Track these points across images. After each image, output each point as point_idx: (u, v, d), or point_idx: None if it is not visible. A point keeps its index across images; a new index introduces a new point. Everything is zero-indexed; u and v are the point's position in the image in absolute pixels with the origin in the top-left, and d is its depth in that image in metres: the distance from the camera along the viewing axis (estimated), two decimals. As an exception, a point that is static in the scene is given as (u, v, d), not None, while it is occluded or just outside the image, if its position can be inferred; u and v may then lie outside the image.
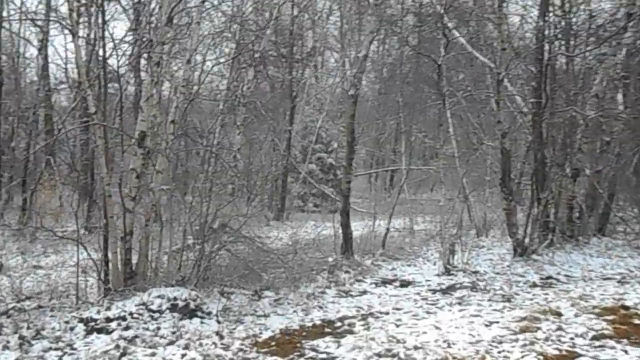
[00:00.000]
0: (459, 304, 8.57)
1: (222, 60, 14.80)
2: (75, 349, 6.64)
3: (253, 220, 10.08)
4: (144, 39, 9.01)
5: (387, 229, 13.71)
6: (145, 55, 9.22)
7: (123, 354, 6.38)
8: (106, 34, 9.02)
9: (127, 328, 7.07)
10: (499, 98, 11.87)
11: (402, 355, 6.12)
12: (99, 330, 7.04)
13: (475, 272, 10.95)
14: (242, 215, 9.42)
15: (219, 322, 7.53)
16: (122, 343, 6.68)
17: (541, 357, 6.03)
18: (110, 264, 8.38)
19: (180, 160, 14.36)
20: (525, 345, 6.36)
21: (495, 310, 8.03)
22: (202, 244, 8.52)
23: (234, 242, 8.94)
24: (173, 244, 8.82)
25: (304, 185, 24.91)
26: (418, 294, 9.47)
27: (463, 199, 15.30)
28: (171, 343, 6.76)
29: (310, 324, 7.68)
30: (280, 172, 22.53)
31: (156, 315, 7.32)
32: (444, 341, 6.53)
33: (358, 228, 13.67)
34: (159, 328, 7.13)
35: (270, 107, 21.40)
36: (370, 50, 15.57)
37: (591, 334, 6.70)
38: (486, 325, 7.16)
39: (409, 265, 12.07)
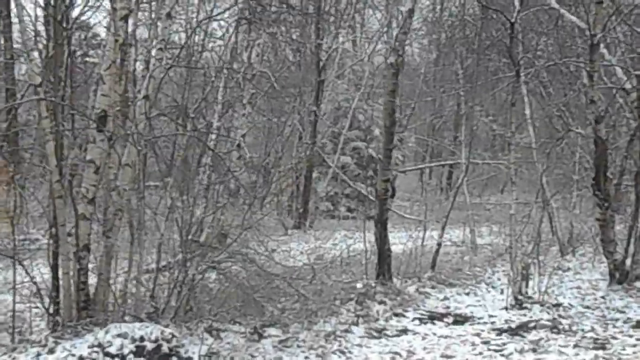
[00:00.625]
0: (534, 350, 8.37)
1: (216, 14, 14.44)
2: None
3: (266, 229, 9.86)
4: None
5: (439, 244, 13.62)
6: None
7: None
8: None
9: (73, 380, 6.90)
10: (593, 70, 11.66)
11: None
12: (36, 383, 6.93)
13: (557, 306, 10.78)
14: (240, 225, 9.07)
15: (201, 371, 7.35)
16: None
17: None
18: (61, 289, 8.21)
19: (170, 149, 13.90)
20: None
21: (584, 361, 7.80)
22: (184, 263, 8.27)
23: (227, 260, 8.69)
24: (145, 263, 8.57)
25: (334, 184, 24.83)
26: (477, 334, 9.29)
27: (542, 205, 15.19)
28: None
29: (325, 377, 7.60)
30: (303, 166, 22.24)
31: (115, 361, 7.16)
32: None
33: (402, 240, 13.64)
34: (117, 380, 6.97)
35: (290, 81, 21.09)
36: (421, 4, 15.01)
37: None
38: (571, 385, 7.04)
39: (467, 294, 11.97)
